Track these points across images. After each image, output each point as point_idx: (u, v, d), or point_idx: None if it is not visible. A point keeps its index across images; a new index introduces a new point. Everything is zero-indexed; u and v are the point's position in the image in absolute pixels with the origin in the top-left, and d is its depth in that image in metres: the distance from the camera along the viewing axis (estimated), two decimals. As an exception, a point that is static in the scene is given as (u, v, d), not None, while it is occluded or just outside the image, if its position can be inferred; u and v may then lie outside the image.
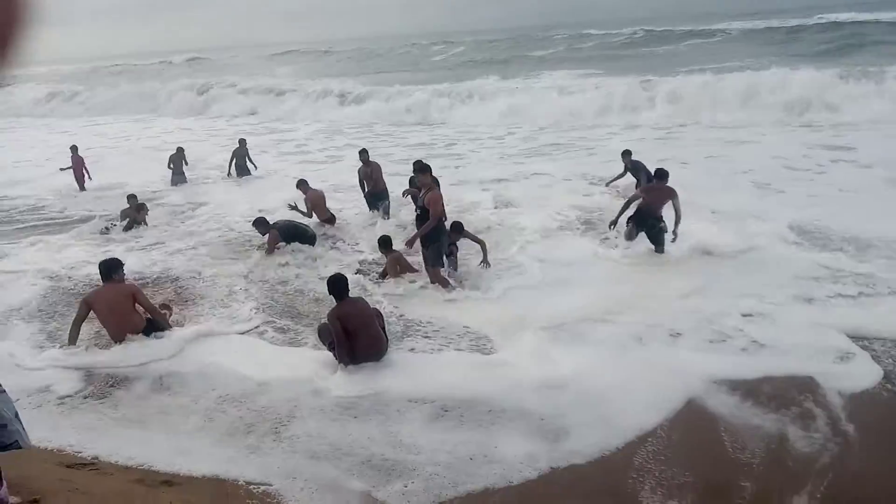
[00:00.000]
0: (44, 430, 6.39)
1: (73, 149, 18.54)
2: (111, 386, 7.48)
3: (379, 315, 8.11)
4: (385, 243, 10.14)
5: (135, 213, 13.93)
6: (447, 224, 9.90)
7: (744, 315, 8.45)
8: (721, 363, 7.36)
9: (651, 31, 59.18)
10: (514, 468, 5.87)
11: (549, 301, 9.24)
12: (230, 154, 19.36)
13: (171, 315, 8.91)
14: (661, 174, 10.39)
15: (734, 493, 5.47)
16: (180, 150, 18.89)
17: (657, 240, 10.51)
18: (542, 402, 6.95)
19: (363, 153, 13.67)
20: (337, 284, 7.67)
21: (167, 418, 6.75)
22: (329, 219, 13.23)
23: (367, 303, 7.99)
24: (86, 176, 18.43)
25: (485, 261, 10.15)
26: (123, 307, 8.20)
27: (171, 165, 18.46)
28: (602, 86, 30.33)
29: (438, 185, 12.05)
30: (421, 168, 9.51)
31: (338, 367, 7.46)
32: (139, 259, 11.78)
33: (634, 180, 14.05)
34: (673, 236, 10.10)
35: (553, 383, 7.26)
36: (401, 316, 9.05)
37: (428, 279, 9.69)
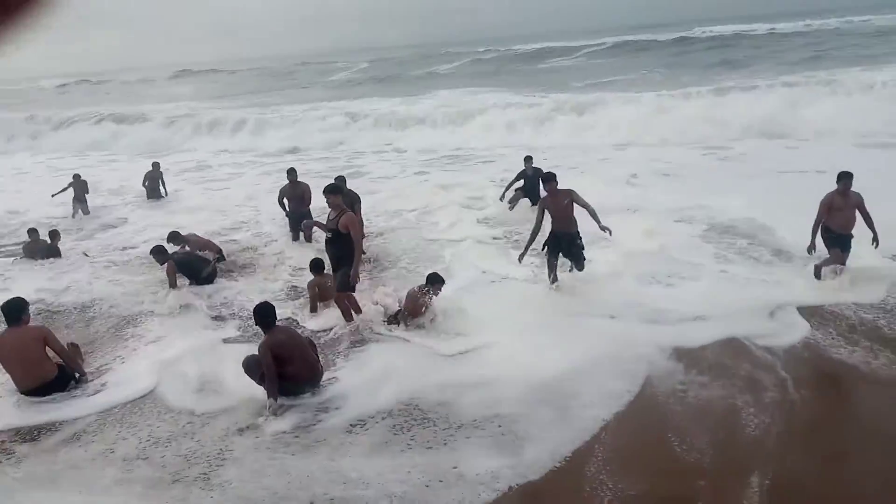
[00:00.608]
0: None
1: None
2: (13, 441, 6.62)
3: (312, 344, 7.65)
4: (317, 266, 9.43)
5: (40, 244, 12.92)
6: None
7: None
8: (664, 334, 8.01)
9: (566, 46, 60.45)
10: (475, 491, 5.42)
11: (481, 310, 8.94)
12: (143, 177, 18.56)
13: (79, 357, 8.07)
14: (548, 177, 9.28)
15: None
16: (78, 178, 17.47)
17: (576, 257, 9.43)
18: (497, 406, 6.67)
19: (291, 172, 12.86)
20: (264, 313, 7.06)
21: (80, 473, 5.94)
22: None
23: (295, 330, 7.51)
24: None
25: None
26: (32, 353, 7.28)
27: (74, 193, 17.10)
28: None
29: (360, 202, 11.66)
30: (331, 189, 8.79)
31: (268, 402, 6.80)
32: (52, 293, 10.88)
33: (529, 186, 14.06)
34: (608, 232, 9.15)
35: (505, 384, 7.03)
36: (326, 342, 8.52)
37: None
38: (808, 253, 9.10)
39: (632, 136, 22.59)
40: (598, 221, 9.04)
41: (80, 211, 17.00)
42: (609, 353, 7.56)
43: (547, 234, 9.51)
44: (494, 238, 12.55)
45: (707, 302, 8.82)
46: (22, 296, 7.96)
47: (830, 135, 19.75)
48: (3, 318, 7.52)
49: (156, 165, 18.56)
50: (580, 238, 9.34)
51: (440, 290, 8.82)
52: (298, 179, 12.84)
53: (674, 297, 9.15)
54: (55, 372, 7.38)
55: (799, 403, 6.49)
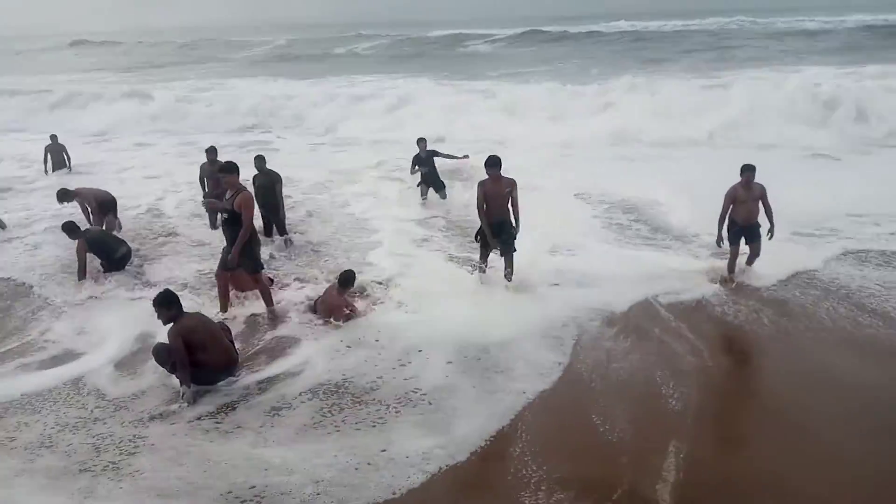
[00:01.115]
0: None
1: None
2: None
3: (226, 329, 7.29)
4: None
5: None
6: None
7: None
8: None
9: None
10: (405, 473, 5.28)
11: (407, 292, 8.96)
12: (43, 151, 17.20)
13: None
14: (493, 161, 8.64)
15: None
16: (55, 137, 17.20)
17: (505, 244, 8.91)
18: (426, 385, 6.61)
19: (211, 150, 12.08)
20: (165, 301, 6.53)
21: (-25, 465, 5.50)
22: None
23: (206, 316, 7.09)
24: None
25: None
26: None
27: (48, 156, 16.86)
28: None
29: (281, 182, 11.09)
30: (226, 168, 8.24)
31: (181, 389, 6.44)
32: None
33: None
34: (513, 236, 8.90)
35: (433, 362, 7.01)
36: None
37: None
38: (718, 245, 9.21)
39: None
40: (516, 221, 8.84)
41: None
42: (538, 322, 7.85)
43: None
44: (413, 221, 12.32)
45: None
46: None
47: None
48: None
49: (54, 138, 17.34)
50: (513, 226, 8.87)
51: (355, 296, 8.63)
52: (219, 158, 11.94)
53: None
54: None
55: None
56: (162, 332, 6.91)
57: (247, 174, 10.17)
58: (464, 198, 12.85)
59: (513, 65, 39.15)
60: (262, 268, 8.61)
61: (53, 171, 17.04)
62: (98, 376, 6.99)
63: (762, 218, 9.00)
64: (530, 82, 28.15)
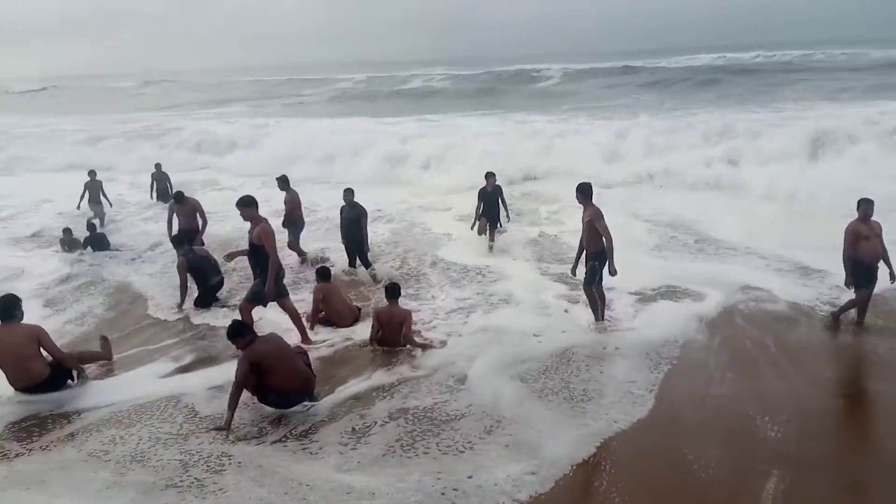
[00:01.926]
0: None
1: None
2: (4, 438, 6.21)
3: (302, 352, 7.10)
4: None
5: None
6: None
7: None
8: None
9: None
10: (496, 501, 5.07)
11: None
12: (82, 187, 16.43)
13: (108, 350, 7.86)
14: (582, 188, 8.43)
15: None
16: (94, 174, 16.56)
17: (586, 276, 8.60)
18: (513, 405, 6.51)
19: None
20: (233, 332, 6.50)
21: (70, 475, 5.51)
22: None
23: (282, 339, 6.84)
24: None
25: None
26: (24, 351, 6.88)
27: (86, 192, 16.25)
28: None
29: (366, 216, 11.18)
30: (243, 202, 8.34)
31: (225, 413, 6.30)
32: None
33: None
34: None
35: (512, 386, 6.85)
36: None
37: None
38: (847, 287, 8.44)
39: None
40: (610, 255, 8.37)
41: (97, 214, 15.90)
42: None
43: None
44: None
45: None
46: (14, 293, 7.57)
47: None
48: None
49: (93, 174, 16.61)
50: (597, 260, 8.38)
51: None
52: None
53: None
54: (47, 372, 6.96)
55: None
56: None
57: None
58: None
59: (587, 99, 38.24)
60: (263, 303, 8.54)
61: (157, 198, 17.44)
62: (193, 394, 7.04)
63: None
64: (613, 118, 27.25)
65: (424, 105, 41.47)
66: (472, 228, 12.73)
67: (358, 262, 11.38)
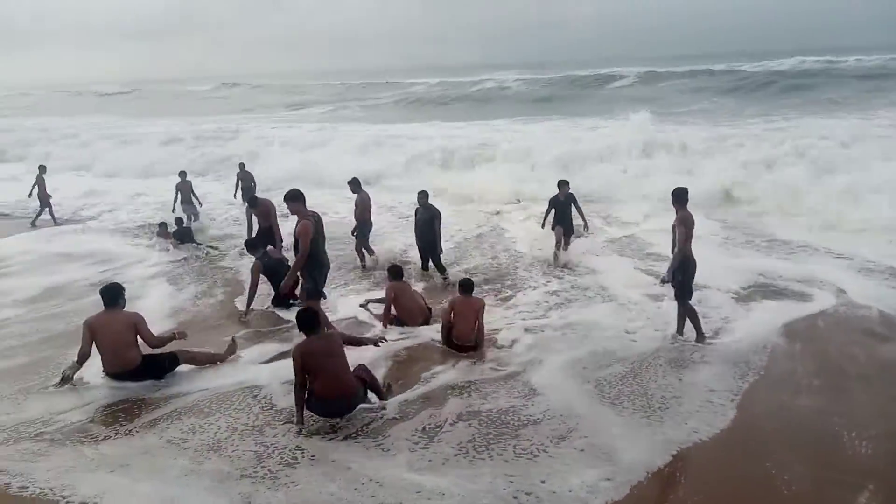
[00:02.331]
0: (17, 473, 5.48)
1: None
2: (92, 421, 6.45)
3: (361, 366, 6.74)
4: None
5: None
6: None
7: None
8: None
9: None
10: None
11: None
12: (174, 189, 16.65)
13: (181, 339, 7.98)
14: (678, 193, 8.02)
15: None
16: (184, 175, 16.81)
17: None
18: (589, 411, 6.35)
19: (422, 194, 11.72)
20: (303, 320, 6.34)
21: (152, 460, 5.66)
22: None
23: (338, 342, 6.40)
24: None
25: None
26: (122, 338, 7.14)
27: (178, 194, 16.42)
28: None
29: (440, 217, 11.17)
30: (291, 196, 8.36)
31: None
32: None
33: None
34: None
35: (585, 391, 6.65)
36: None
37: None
38: None
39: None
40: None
41: (190, 216, 16.11)
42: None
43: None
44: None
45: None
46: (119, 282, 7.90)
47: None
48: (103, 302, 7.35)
49: (183, 175, 16.85)
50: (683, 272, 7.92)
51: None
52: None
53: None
54: (138, 360, 7.19)
55: None
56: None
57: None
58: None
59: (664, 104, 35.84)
60: (323, 295, 8.53)
61: (242, 198, 16.88)
62: (270, 387, 7.13)
63: None
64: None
65: (496, 109, 41.12)
66: (542, 227, 12.48)
67: (431, 264, 11.38)
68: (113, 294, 7.35)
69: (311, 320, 6.30)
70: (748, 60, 58.94)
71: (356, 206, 12.06)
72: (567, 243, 12.17)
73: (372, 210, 12.30)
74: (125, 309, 7.48)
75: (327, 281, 9.27)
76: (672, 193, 8.09)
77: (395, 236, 13.87)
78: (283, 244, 11.35)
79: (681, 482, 5.35)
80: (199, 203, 16.93)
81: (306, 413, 6.25)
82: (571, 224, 12.34)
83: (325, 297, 8.69)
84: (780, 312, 8.88)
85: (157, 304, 10.02)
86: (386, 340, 7.42)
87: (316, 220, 8.37)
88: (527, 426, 6.15)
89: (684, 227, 7.77)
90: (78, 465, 5.64)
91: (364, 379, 6.49)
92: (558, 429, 6.07)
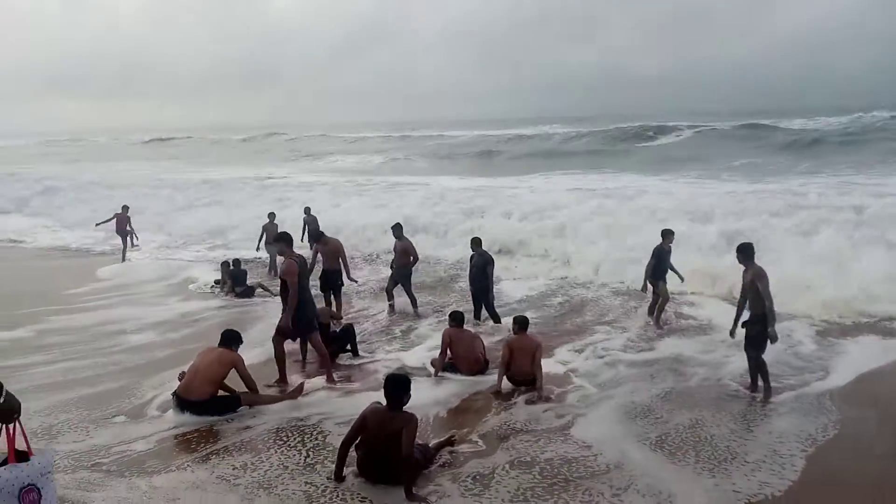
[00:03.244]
0: (75, 501, 5.47)
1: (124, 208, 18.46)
2: (146, 453, 6.44)
3: (422, 445, 6.12)
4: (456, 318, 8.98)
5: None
6: None
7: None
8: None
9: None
10: None
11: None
12: (260, 230, 16.57)
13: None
14: (741, 248, 8.03)
15: None
16: (272, 216, 16.70)
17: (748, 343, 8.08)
18: (642, 462, 5.83)
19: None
20: (390, 386, 5.86)
21: (203, 496, 5.58)
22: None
23: (403, 426, 5.63)
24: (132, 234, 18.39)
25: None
26: (209, 371, 7.32)
27: (264, 234, 16.35)
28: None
29: (492, 264, 11.07)
30: (278, 238, 8.60)
31: None
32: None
33: None
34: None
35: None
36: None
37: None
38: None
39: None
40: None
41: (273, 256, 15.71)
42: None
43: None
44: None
45: None
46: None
47: None
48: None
49: (272, 216, 16.87)
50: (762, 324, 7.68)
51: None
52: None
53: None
54: (206, 396, 7.23)
55: None
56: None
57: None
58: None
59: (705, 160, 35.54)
60: (315, 329, 8.47)
61: (308, 240, 16.28)
62: (323, 426, 7.07)
63: None
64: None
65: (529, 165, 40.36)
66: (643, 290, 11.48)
67: (485, 313, 11.22)
68: (230, 338, 7.72)
69: (397, 392, 5.78)
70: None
71: (394, 250, 12.21)
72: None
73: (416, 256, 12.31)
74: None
75: None
76: (738, 250, 8.00)
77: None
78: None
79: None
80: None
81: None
82: (664, 273, 11.14)
83: (293, 340, 8.69)
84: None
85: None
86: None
87: (300, 263, 8.41)
88: (583, 476, 5.89)
89: (766, 281, 7.59)
90: (131, 497, 5.59)
91: (418, 461, 5.90)
92: (618, 479, 5.80)
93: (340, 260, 11.72)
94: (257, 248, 16.39)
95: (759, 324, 7.62)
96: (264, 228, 16.36)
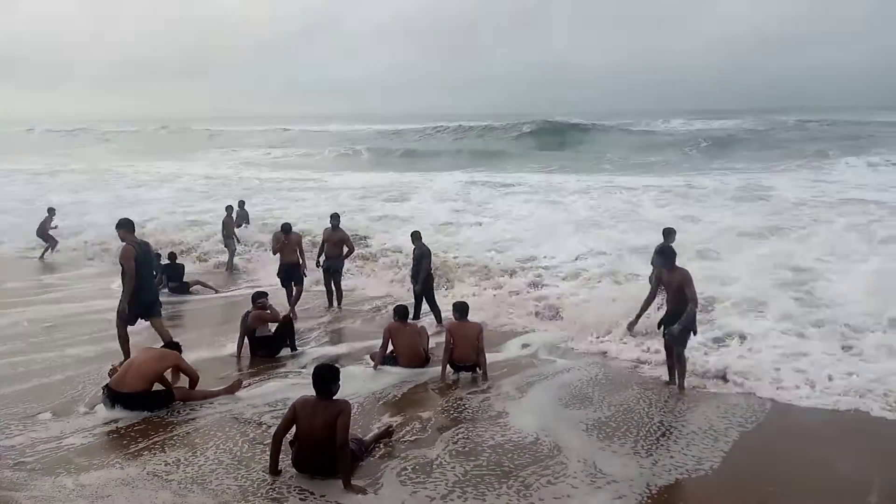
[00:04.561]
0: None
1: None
2: (75, 450, 6.13)
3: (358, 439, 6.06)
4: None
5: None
6: None
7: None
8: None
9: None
10: None
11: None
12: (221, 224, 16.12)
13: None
14: (668, 251, 8.14)
15: None
16: (229, 210, 16.32)
17: (677, 340, 7.95)
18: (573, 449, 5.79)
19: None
20: (318, 375, 5.70)
21: (133, 493, 5.33)
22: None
23: (337, 413, 5.51)
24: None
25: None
26: (145, 366, 7.12)
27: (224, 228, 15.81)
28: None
29: (429, 257, 11.05)
30: (120, 224, 8.35)
31: None
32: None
33: None
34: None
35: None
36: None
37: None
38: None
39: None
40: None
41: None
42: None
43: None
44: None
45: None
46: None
47: None
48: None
49: (230, 209, 16.54)
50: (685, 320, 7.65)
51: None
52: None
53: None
54: (139, 389, 6.94)
55: None
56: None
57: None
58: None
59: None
60: (156, 315, 8.49)
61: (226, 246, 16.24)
62: (257, 421, 6.89)
63: None
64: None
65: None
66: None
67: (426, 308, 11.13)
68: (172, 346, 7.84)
69: (325, 381, 5.64)
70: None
71: (327, 241, 11.97)
72: None
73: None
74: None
75: None
76: (661, 254, 8.14)
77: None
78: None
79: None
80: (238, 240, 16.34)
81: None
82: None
83: (132, 324, 8.49)
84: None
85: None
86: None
87: (139, 248, 8.29)
88: (524, 463, 5.92)
89: (693, 286, 7.62)
90: (57, 496, 5.31)
91: (354, 452, 5.79)
92: (555, 462, 5.90)
93: (299, 253, 11.70)
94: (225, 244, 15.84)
95: (683, 321, 7.58)
96: (224, 223, 15.91)
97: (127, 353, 8.20)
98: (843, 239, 14.00)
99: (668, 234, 10.22)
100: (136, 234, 8.68)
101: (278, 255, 11.85)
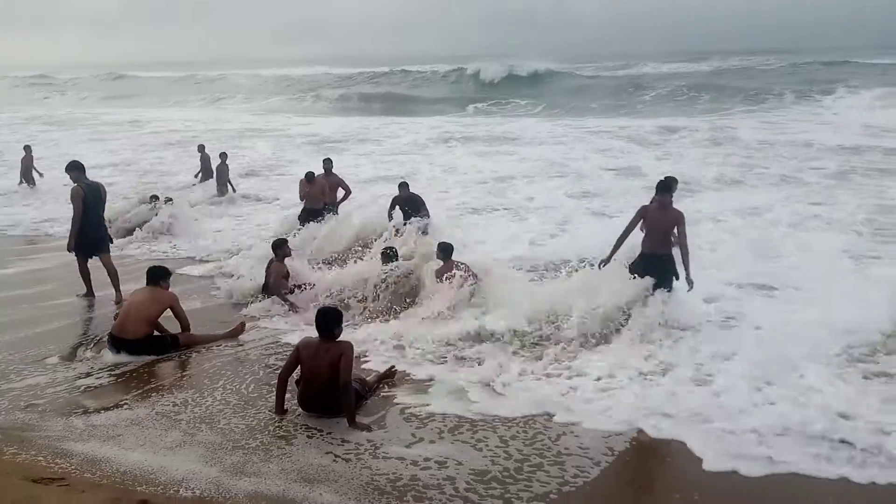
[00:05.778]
0: (11, 440, 5.26)
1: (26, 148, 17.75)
2: (83, 392, 6.19)
3: (360, 379, 6.01)
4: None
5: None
6: None
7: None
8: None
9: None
10: None
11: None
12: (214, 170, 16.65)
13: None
14: (663, 186, 7.55)
15: None
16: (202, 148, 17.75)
17: (661, 281, 7.65)
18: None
19: (327, 161, 12.36)
20: (321, 318, 5.70)
21: (143, 432, 5.42)
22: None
23: (325, 350, 5.55)
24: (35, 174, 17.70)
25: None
26: (142, 310, 7.04)
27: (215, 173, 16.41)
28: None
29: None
30: (71, 167, 8.86)
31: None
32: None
33: None
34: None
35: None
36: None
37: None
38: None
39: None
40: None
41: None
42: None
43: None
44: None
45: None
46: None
47: None
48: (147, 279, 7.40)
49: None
50: (672, 264, 7.49)
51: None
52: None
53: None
54: (141, 335, 6.97)
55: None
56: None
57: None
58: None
59: None
60: (104, 250, 9.02)
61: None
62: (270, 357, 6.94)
63: None
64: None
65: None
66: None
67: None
68: (156, 275, 7.41)
69: (328, 323, 5.62)
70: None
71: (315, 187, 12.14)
72: None
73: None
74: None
75: None
76: (664, 188, 7.52)
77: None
78: None
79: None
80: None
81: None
82: None
83: (89, 257, 8.98)
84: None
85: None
86: None
87: (88, 189, 8.76)
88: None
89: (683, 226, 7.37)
90: (69, 436, 5.39)
91: (357, 391, 5.81)
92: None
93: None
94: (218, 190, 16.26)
95: (670, 264, 7.48)
96: (217, 170, 16.33)
97: (89, 286, 8.97)
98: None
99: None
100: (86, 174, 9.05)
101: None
